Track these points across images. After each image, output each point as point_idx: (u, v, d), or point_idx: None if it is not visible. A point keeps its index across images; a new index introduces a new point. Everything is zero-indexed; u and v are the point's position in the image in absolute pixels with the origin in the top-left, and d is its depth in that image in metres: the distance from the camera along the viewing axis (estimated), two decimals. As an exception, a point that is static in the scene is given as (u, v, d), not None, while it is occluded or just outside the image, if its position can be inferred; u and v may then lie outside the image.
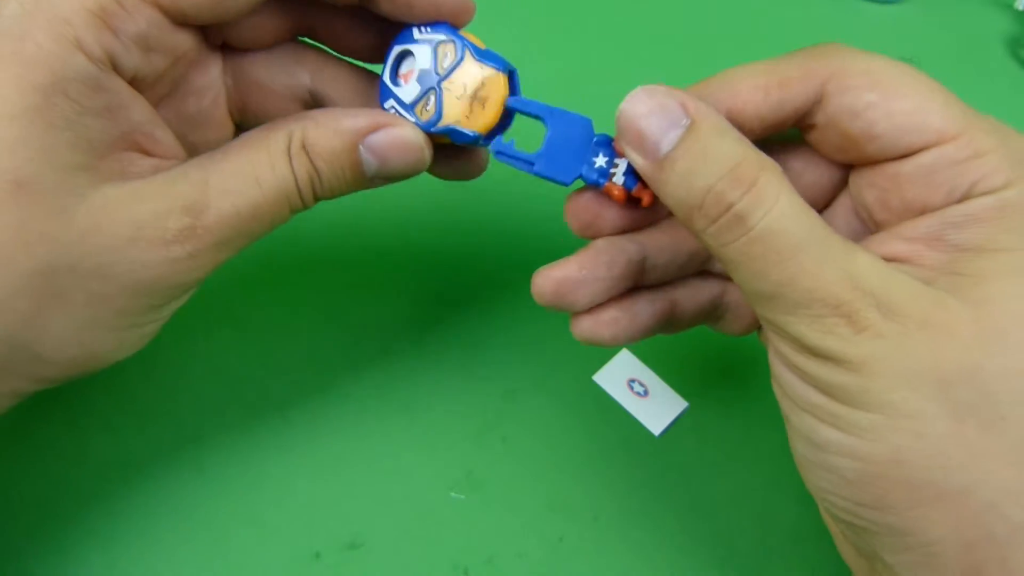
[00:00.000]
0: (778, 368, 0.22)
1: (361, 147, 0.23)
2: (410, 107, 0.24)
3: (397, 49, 0.24)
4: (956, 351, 0.19)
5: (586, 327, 0.24)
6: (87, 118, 0.20)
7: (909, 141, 0.21)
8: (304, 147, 0.23)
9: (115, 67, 0.21)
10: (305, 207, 0.24)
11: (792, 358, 0.21)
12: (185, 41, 0.23)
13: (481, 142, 0.24)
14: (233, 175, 0.22)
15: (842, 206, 0.25)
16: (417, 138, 0.23)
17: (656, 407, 0.31)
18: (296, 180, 0.23)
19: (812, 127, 0.22)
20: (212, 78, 0.25)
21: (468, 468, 0.30)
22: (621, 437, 0.31)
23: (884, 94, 0.21)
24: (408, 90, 0.24)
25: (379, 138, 0.23)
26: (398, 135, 0.23)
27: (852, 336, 0.19)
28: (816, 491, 0.22)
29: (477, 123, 0.24)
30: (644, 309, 0.25)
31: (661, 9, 0.45)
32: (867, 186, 0.23)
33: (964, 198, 0.21)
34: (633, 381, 0.31)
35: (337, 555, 0.28)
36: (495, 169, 0.26)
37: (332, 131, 0.23)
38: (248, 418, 0.30)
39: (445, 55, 0.24)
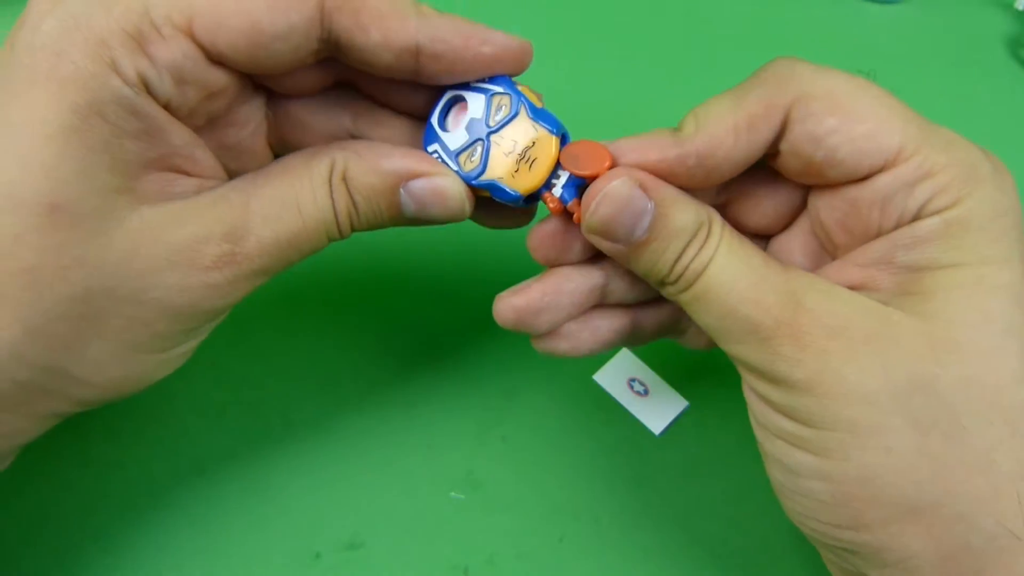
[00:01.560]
0: (749, 397, 0.23)
1: (402, 190, 0.23)
2: (455, 154, 0.23)
3: (450, 94, 0.24)
4: (908, 363, 0.19)
5: (544, 342, 0.25)
6: (125, 140, 0.20)
7: (869, 164, 0.21)
8: (344, 179, 0.22)
9: (149, 92, 0.20)
10: (342, 237, 0.23)
11: (754, 386, 0.22)
12: (221, 79, 0.22)
13: (522, 203, 0.23)
14: (275, 202, 0.22)
15: (801, 228, 0.25)
16: (458, 190, 0.23)
17: (656, 406, 0.31)
18: (336, 211, 0.22)
19: (775, 154, 0.23)
20: (253, 110, 0.24)
21: (468, 468, 0.30)
22: (621, 437, 0.31)
23: (844, 118, 0.21)
24: (455, 137, 0.23)
25: (420, 185, 0.23)
26: (439, 185, 0.23)
27: (798, 355, 0.20)
28: (796, 518, 0.22)
29: (522, 183, 0.23)
30: (604, 325, 0.25)
31: (660, 10, 0.45)
32: (826, 209, 0.23)
33: (914, 219, 0.21)
34: (633, 380, 0.31)
35: (337, 555, 0.28)
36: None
37: (373, 169, 0.23)
38: (249, 419, 0.30)
39: (499, 108, 0.23)
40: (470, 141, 0.23)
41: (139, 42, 0.20)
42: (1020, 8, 0.46)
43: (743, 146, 0.22)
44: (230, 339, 0.32)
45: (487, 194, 0.24)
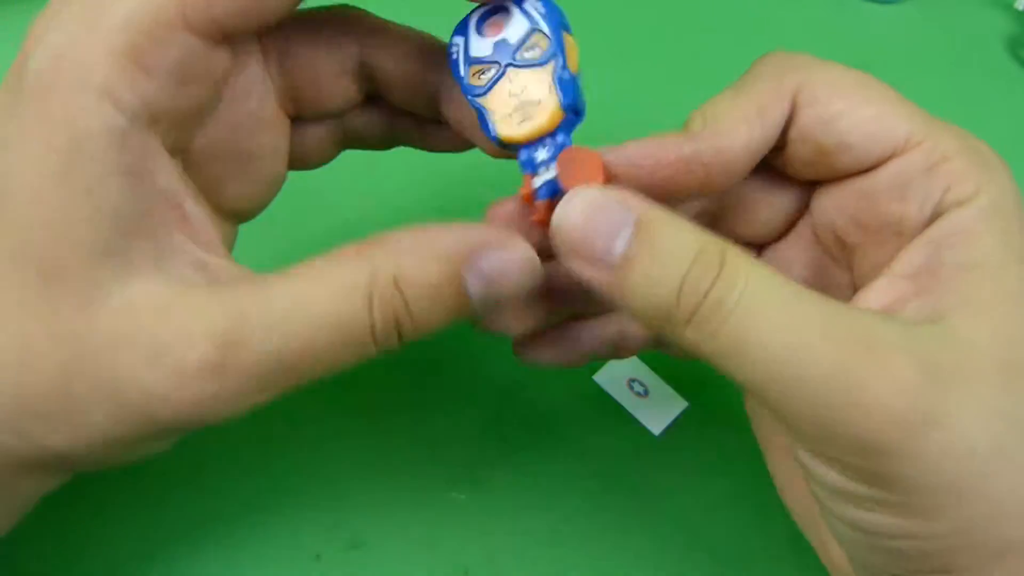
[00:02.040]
0: (802, 458, 0.19)
1: (466, 273, 0.19)
2: (469, 61, 0.22)
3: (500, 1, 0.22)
4: (999, 398, 0.17)
5: (526, 352, 0.24)
6: (110, 180, 0.18)
7: (880, 150, 0.20)
8: (397, 283, 0.19)
9: (151, 114, 0.18)
10: (380, 354, 0.20)
11: (825, 451, 0.18)
12: (224, 60, 0.20)
13: (497, 144, 0.22)
14: (278, 313, 0.18)
15: (800, 235, 0.24)
16: (533, 259, 0.20)
17: (656, 407, 0.31)
18: (374, 326, 0.19)
19: (780, 147, 0.22)
20: (253, 77, 0.22)
21: (468, 468, 0.30)
22: (621, 437, 0.31)
23: (850, 102, 0.20)
24: (480, 45, 0.22)
25: (487, 261, 0.19)
26: (514, 258, 0.20)
27: (900, 411, 0.16)
28: (860, 567, 0.20)
29: (505, 128, 0.22)
30: (587, 335, 0.24)
31: (659, 10, 0.45)
32: (836, 207, 0.22)
33: (938, 209, 0.20)
34: (633, 381, 0.31)
35: (337, 555, 0.28)
36: (504, 167, 0.26)
37: (429, 258, 0.19)
38: (249, 418, 0.30)
39: (533, 47, 0.22)
40: (489, 58, 0.22)
41: (133, 59, 0.18)
42: (1020, 8, 0.46)
43: (756, 135, 0.21)
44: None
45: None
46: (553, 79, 0.21)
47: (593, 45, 0.44)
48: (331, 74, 0.23)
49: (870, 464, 0.17)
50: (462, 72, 0.22)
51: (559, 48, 0.21)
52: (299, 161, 0.25)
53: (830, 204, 0.22)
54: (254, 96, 0.22)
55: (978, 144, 0.20)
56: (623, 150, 0.21)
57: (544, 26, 0.22)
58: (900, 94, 0.21)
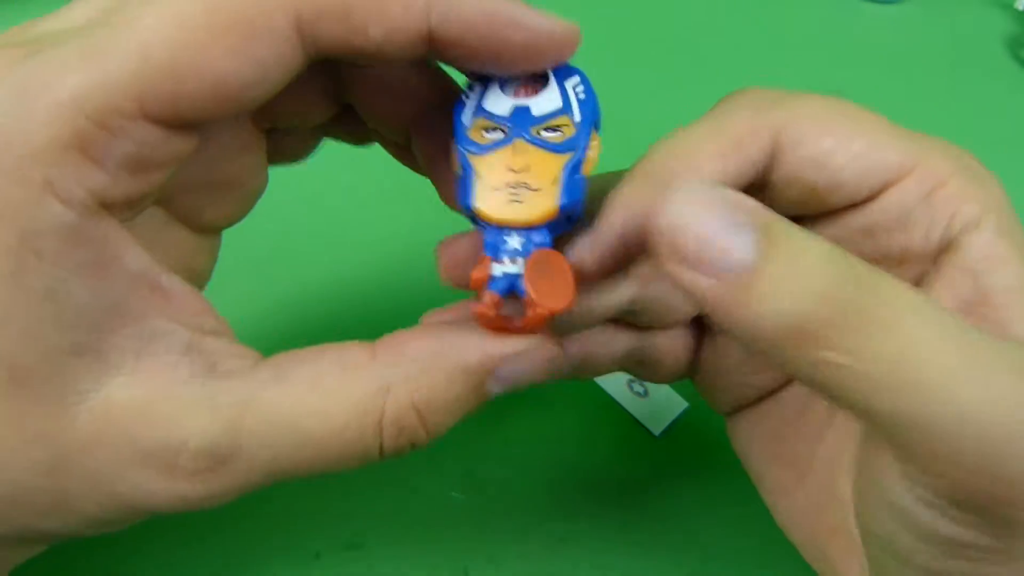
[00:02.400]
0: (911, 509, 0.16)
1: (488, 380, 0.19)
2: (478, 111, 0.19)
3: None
4: None
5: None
6: (70, 282, 0.16)
7: (871, 183, 0.19)
8: (415, 406, 0.18)
9: (103, 203, 0.16)
10: (387, 459, 0.19)
11: (960, 505, 0.16)
12: (188, 143, 0.18)
13: (466, 212, 0.19)
14: (277, 427, 0.17)
15: None
16: (558, 356, 0.19)
17: (656, 407, 0.31)
18: (383, 448, 0.18)
19: (764, 186, 0.20)
20: (233, 134, 0.21)
21: (468, 468, 0.30)
22: (621, 437, 0.31)
23: (839, 138, 0.19)
24: (498, 101, 0.19)
25: (514, 370, 0.18)
26: (538, 362, 0.19)
27: None
28: None
29: (483, 199, 0.19)
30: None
31: (659, 9, 0.45)
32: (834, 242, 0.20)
33: (947, 235, 0.19)
34: (633, 381, 0.31)
35: (337, 555, 0.28)
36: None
37: (449, 375, 0.18)
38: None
39: (557, 128, 0.19)
40: (502, 118, 0.19)
41: (82, 150, 0.16)
42: (1020, 8, 0.46)
43: (732, 171, 0.19)
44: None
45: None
46: (562, 172, 0.19)
47: (592, 44, 0.44)
48: (308, 98, 0.22)
49: (1016, 513, 0.15)
50: (465, 120, 0.20)
51: (583, 143, 0.19)
52: (276, 160, 0.24)
53: (824, 236, 0.21)
54: (226, 127, 0.21)
55: (967, 158, 0.20)
56: (599, 245, 0.19)
57: (576, 113, 0.19)
58: (879, 115, 0.20)
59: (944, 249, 0.19)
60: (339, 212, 0.37)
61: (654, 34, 0.44)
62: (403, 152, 0.24)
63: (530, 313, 0.18)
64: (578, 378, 0.23)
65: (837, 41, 0.45)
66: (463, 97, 0.20)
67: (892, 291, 0.15)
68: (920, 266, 0.20)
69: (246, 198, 0.23)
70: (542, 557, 0.28)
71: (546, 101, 0.19)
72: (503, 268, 0.19)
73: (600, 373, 0.24)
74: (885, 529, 0.18)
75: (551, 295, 0.18)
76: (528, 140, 0.19)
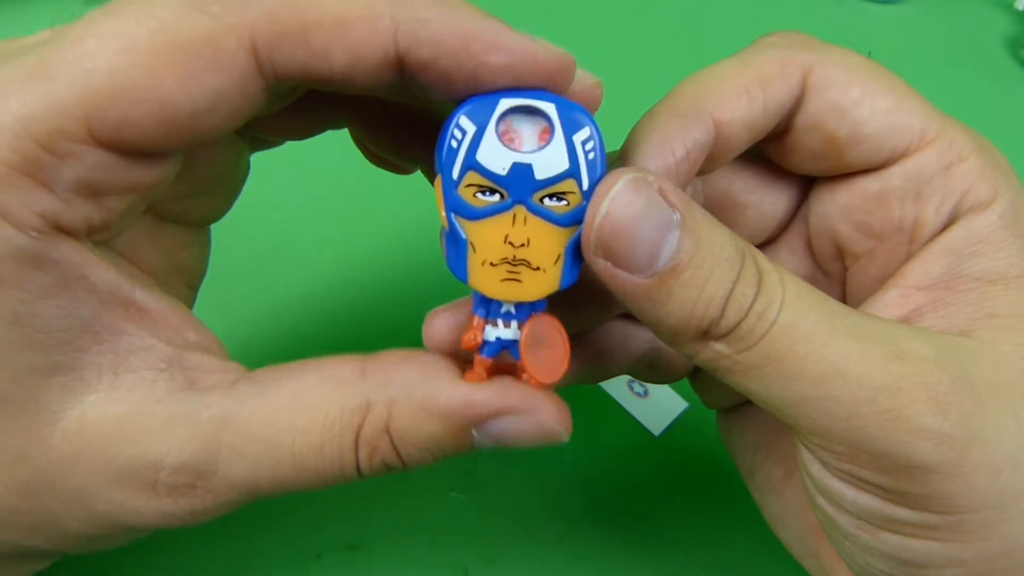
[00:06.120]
0: (826, 484, 0.18)
1: (475, 431, 0.17)
2: (471, 165, 0.16)
3: (532, 103, 0.16)
4: None
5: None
6: (36, 304, 0.16)
7: (894, 144, 0.19)
8: (388, 431, 0.17)
9: (59, 227, 0.16)
10: (366, 478, 0.18)
11: (854, 473, 0.17)
12: (152, 171, 0.17)
13: (461, 279, 0.18)
14: (257, 442, 0.17)
15: (789, 243, 0.22)
16: (553, 428, 0.18)
17: (656, 407, 0.31)
18: (359, 464, 0.17)
19: (782, 134, 0.20)
20: (218, 149, 0.20)
21: (468, 468, 0.30)
22: (621, 438, 0.31)
23: (867, 90, 0.19)
24: (494, 155, 0.16)
25: (502, 426, 0.17)
26: (529, 426, 0.18)
27: (940, 425, 0.16)
28: None
29: (483, 278, 0.17)
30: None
31: (659, 9, 0.45)
32: (840, 210, 0.20)
33: (955, 212, 0.19)
34: (633, 382, 0.31)
35: (337, 555, 0.28)
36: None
37: (432, 413, 0.17)
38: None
39: (563, 195, 0.17)
40: (500, 179, 0.17)
41: (27, 173, 0.15)
42: (1020, 8, 0.46)
43: (758, 110, 0.18)
44: (229, 336, 0.32)
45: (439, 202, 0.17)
46: (566, 250, 0.17)
47: (587, 43, 0.44)
48: (288, 121, 0.21)
49: (911, 484, 0.16)
50: (455, 174, 0.17)
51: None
52: (261, 148, 0.23)
53: (833, 205, 0.20)
54: (220, 160, 0.20)
55: (987, 144, 0.19)
56: (636, 146, 0.18)
57: (585, 178, 0.17)
58: (908, 84, 0.20)
59: (949, 224, 0.19)
60: (338, 209, 0.37)
61: (653, 33, 0.44)
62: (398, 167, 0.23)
63: (525, 379, 0.18)
64: (588, 382, 0.23)
65: (837, 41, 0.44)
66: (452, 140, 0.17)
67: (777, 285, 0.16)
68: (927, 241, 0.19)
69: (232, 193, 0.23)
70: (542, 557, 0.28)
71: (551, 160, 0.17)
72: (496, 332, 0.18)
73: (613, 375, 0.23)
74: (824, 512, 0.18)
75: (547, 367, 0.18)
76: (529, 209, 0.17)
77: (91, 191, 0.16)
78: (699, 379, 0.25)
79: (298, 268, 0.34)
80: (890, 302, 0.19)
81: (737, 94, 0.18)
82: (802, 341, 0.16)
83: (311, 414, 0.17)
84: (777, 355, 0.16)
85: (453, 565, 0.28)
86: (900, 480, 0.16)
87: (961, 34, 0.45)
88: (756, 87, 0.19)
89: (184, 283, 0.22)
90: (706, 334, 0.16)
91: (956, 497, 0.16)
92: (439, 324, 0.19)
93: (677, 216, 0.16)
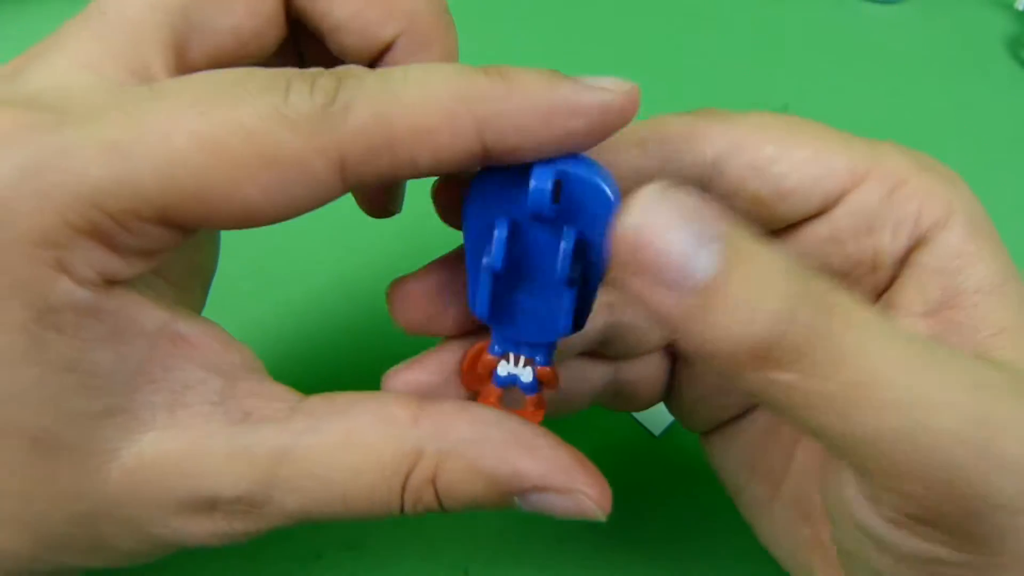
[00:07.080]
0: (878, 529, 0.16)
1: (518, 498, 0.18)
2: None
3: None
4: None
5: None
6: (93, 353, 0.16)
7: (823, 191, 0.19)
8: (434, 482, 0.17)
9: (115, 279, 0.16)
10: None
11: (924, 516, 0.15)
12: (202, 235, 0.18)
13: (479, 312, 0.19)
14: (311, 478, 0.17)
15: None
16: (600, 510, 0.18)
17: (656, 407, 0.31)
18: (403, 507, 0.18)
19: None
20: None
21: (468, 468, 0.30)
22: (621, 438, 0.31)
23: (782, 145, 0.19)
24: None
25: (549, 501, 0.18)
26: (571, 506, 0.18)
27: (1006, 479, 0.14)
28: None
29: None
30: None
31: (659, 9, 0.45)
32: (800, 260, 0.19)
33: (916, 233, 0.19)
34: (633, 381, 0.31)
35: (337, 555, 0.28)
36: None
37: (480, 474, 0.17)
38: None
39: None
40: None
41: (94, 236, 0.15)
42: (1020, 8, 0.46)
43: (654, 162, 0.19)
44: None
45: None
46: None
47: (588, 42, 0.44)
48: None
49: (979, 525, 0.15)
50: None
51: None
52: None
53: (792, 253, 0.19)
54: None
55: (925, 158, 0.19)
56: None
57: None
58: (829, 127, 0.19)
59: (914, 247, 0.19)
60: (339, 208, 0.37)
61: (653, 34, 0.44)
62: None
63: (529, 410, 0.19)
64: (554, 417, 0.22)
65: (837, 41, 0.45)
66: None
67: (848, 310, 0.15)
68: (893, 270, 0.19)
69: None
70: (542, 557, 0.28)
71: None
72: (508, 369, 0.19)
73: (577, 409, 0.23)
74: (856, 547, 0.18)
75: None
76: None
77: (151, 254, 0.17)
78: (677, 404, 0.25)
79: (299, 268, 0.34)
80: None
81: (629, 146, 0.19)
82: (888, 372, 0.14)
83: (364, 455, 0.17)
84: (861, 384, 0.14)
85: (453, 565, 0.28)
86: (971, 522, 0.15)
87: (961, 34, 0.45)
88: (654, 142, 0.19)
89: (199, 285, 0.22)
90: (766, 360, 0.14)
91: (1010, 538, 0.15)
92: (409, 290, 0.21)
93: (717, 230, 0.14)
